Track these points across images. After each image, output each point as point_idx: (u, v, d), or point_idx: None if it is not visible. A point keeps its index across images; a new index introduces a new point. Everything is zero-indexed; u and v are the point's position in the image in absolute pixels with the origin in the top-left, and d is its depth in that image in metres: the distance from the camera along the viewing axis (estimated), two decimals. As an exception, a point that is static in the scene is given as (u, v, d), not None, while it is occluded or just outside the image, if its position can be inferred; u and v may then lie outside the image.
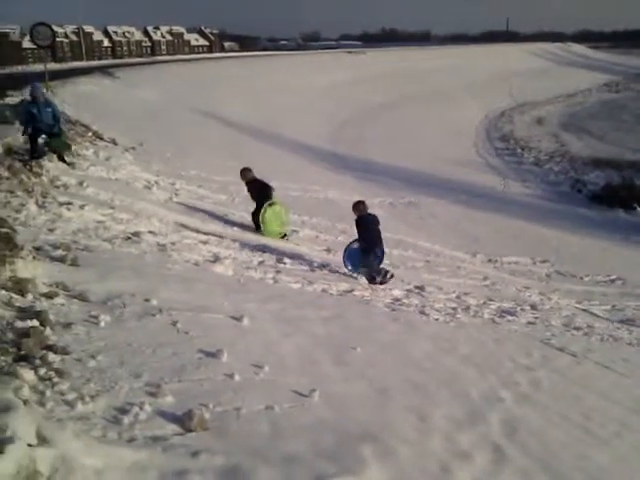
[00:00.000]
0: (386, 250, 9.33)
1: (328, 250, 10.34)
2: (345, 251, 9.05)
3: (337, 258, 9.89)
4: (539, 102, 52.24)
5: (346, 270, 8.82)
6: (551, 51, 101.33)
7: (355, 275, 8.72)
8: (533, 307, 8.72)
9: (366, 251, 8.85)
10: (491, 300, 8.63)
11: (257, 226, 10.46)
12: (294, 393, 3.75)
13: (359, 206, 9.10)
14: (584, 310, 9.20)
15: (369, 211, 9.12)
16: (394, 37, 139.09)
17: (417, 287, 8.61)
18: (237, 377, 3.77)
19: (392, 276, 8.74)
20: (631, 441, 4.42)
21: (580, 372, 5.80)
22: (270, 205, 10.56)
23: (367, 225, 8.95)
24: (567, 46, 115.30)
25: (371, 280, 8.58)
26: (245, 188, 10.92)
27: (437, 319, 6.86)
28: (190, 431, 3.05)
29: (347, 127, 32.67)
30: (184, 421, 3.10)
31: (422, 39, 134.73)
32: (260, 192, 10.69)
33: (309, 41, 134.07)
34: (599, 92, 63.94)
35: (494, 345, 6.14)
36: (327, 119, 33.23)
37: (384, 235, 12.47)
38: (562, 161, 28.49)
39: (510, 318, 7.79)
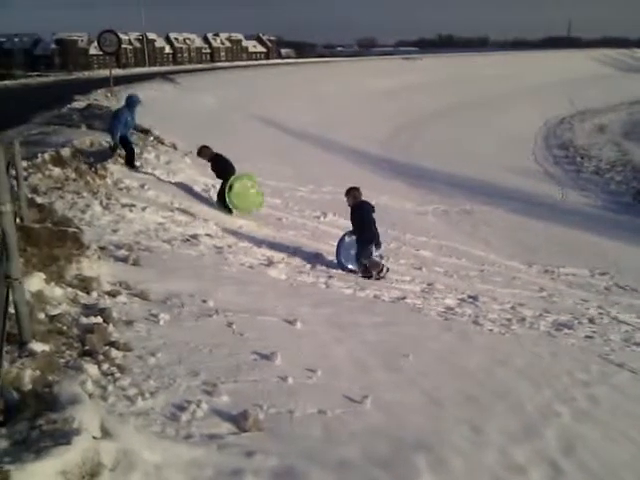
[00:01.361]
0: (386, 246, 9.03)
1: (380, 256, 10.30)
2: (339, 247, 8.57)
3: (389, 264, 9.87)
4: (601, 109, 50.52)
5: (341, 269, 8.36)
6: (614, 57, 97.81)
7: (354, 269, 8.40)
8: (591, 321, 8.44)
9: (365, 242, 8.43)
10: (547, 312, 8.40)
11: (225, 207, 10.03)
12: (346, 399, 3.77)
13: (354, 193, 8.62)
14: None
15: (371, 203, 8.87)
16: (451, 43, 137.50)
17: (470, 296, 8.47)
18: (290, 380, 3.81)
19: (387, 270, 8.44)
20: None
21: (641, 389, 5.58)
22: (236, 179, 10.22)
23: (364, 214, 8.52)
24: (631, 52, 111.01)
25: (365, 273, 8.27)
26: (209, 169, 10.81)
27: (491, 330, 6.73)
28: (245, 431, 3.11)
29: (401, 133, 32.51)
30: (239, 421, 3.17)
31: (480, 45, 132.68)
32: (225, 168, 10.44)
33: (365, 47, 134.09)
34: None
35: (550, 359, 5.98)
36: (381, 125, 33.16)
37: (438, 242, 12.44)
38: (624, 170, 27.48)
39: (567, 331, 7.57)
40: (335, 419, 3.47)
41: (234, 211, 10.02)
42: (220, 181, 10.40)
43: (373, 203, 15.50)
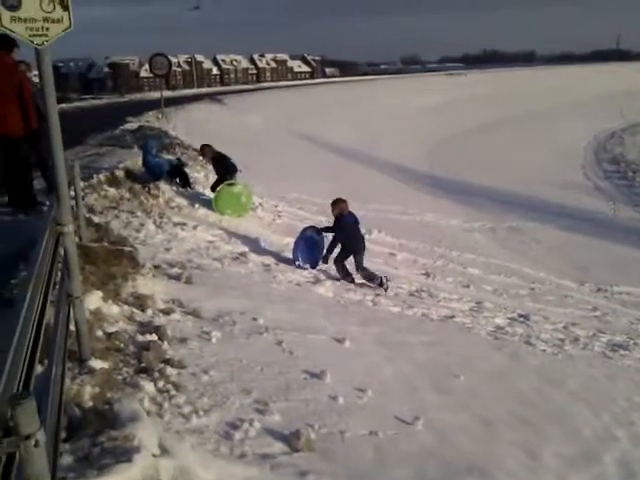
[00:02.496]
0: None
1: (427, 274, 10.21)
2: (298, 241, 8.41)
3: (437, 282, 9.77)
4: (654, 123, 48.98)
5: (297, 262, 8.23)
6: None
7: (304, 266, 8.24)
8: (648, 341, 8.13)
9: (345, 251, 8.47)
10: (601, 332, 8.14)
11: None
12: (397, 420, 3.74)
13: (339, 204, 8.63)
14: None
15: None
16: (496, 58, 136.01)
17: (521, 315, 8.29)
18: (341, 399, 3.82)
19: (387, 280, 8.31)
20: None
21: None
22: (229, 185, 10.08)
23: (345, 226, 8.50)
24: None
25: (345, 276, 8.26)
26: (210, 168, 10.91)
27: (544, 350, 6.56)
28: (297, 451, 3.13)
29: (446, 149, 32.26)
30: (291, 440, 3.19)
31: (526, 60, 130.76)
32: (227, 168, 10.42)
33: (409, 64, 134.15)
34: None
35: (606, 381, 5.79)
36: (425, 141, 33.00)
37: (485, 260, 12.22)
38: (679, 185, 26.49)
39: (623, 352, 7.31)
40: (386, 440, 3.45)
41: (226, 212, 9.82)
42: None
43: (418, 220, 15.32)
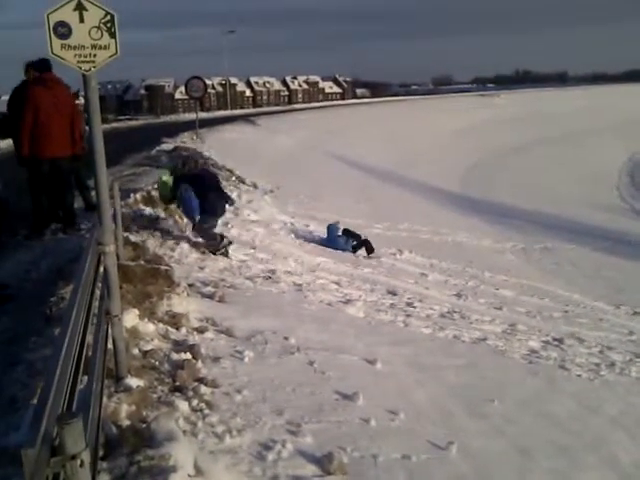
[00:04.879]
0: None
1: (458, 295, 10.11)
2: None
3: (468, 304, 9.66)
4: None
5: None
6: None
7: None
8: (687, 367, 7.87)
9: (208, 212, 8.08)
10: (638, 357, 7.93)
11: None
12: (430, 444, 3.70)
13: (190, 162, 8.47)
14: None
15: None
16: (528, 78, 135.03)
17: (555, 339, 8.12)
18: (373, 422, 3.80)
19: (230, 243, 8.12)
20: None
21: None
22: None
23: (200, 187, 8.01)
24: None
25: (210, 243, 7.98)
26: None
27: (579, 375, 6.42)
28: (329, 474, 3.12)
29: (478, 170, 32.08)
30: (324, 463, 3.18)
31: (558, 80, 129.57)
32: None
33: (441, 85, 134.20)
34: None
35: (645, 408, 5.64)
36: (457, 162, 32.88)
37: (518, 281, 12.02)
38: None
39: (662, 378, 7.11)
40: (420, 465, 3.41)
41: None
42: None
43: (449, 240, 15.22)
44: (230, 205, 9.70)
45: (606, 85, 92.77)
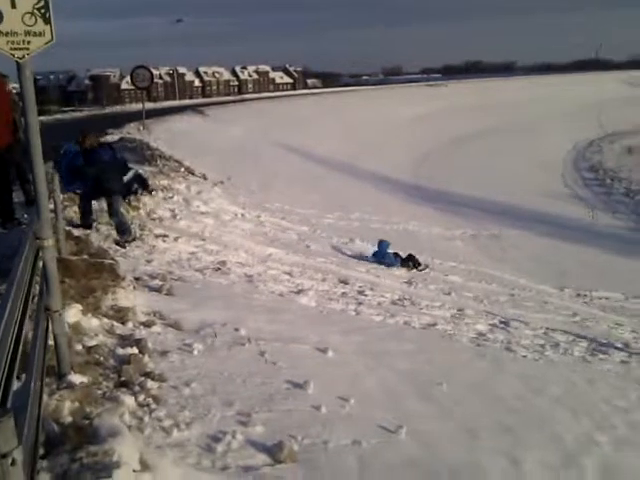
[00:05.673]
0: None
1: (409, 282, 10.27)
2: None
3: (419, 290, 9.82)
4: (629, 131, 49.82)
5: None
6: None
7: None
8: (627, 345, 8.24)
9: (94, 194, 7.63)
10: (581, 337, 8.23)
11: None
12: (381, 428, 3.74)
13: (90, 137, 7.91)
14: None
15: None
16: (477, 69, 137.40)
17: (502, 322, 8.36)
18: (324, 409, 3.81)
19: (134, 239, 7.63)
20: None
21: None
22: None
23: (97, 161, 7.52)
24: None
25: (82, 218, 7.53)
26: None
27: (525, 356, 6.62)
28: (280, 462, 3.12)
29: (428, 159, 32.53)
30: (274, 452, 3.17)
31: (506, 70, 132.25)
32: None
33: (391, 75, 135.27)
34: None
35: (587, 385, 5.85)
36: (408, 151, 33.25)
37: (467, 267, 12.30)
38: (655, 192, 27.00)
39: (602, 357, 7.41)
40: (370, 450, 3.44)
41: None
42: None
43: (401, 229, 15.32)
44: (143, 189, 9.37)
45: (552, 75, 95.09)
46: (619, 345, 8.17)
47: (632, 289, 12.75)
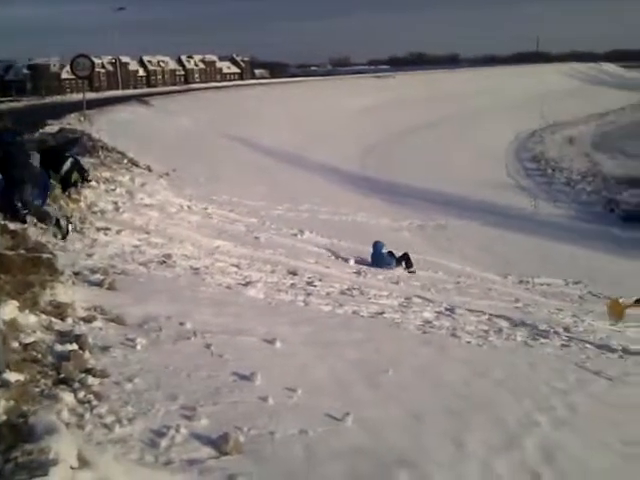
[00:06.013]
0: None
1: (358, 273, 10.36)
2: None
3: (367, 280, 9.92)
4: (570, 122, 51.75)
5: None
6: (583, 71, 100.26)
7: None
8: (567, 329, 8.57)
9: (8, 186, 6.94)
10: (523, 322, 8.51)
11: None
12: (328, 417, 3.76)
13: None
14: (619, 332, 8.99)
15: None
16: (422, 60, 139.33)
17: (448, 309, 8.54)
18: (271, 400, 3.79)
19: (65, 235, 7.07)
20: (676, 466, 4.29)
21: (618, 396, 5.66)
22: None
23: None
24: (599, 66, 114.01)
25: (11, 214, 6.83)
26: None
27: (469, 342, 6.78)
28: (226, 454, 3.09)
29: (376, 150, 32.85)
30: (219, 444, 3.14)
31: (450, 62, 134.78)
32: None
33: (339, 66, 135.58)
34: (632, 111, 63.11)
35: (528, 369, 6.05)
36: (357, 143, 33.47)
37: (414, 257, 12.50)
38: (594, 181, 28.15)
39: (543, 341, 7.68)
40: (317, 438, 3.45)
41: None
42: None
43: (350, 220, 15.42)
44: (82, 179, 8.78)
45: (496, 67, 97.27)
46: (559, 329, 8.49)
47: (572, 275, 13.29)
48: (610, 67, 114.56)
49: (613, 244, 17.48)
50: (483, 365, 5.77)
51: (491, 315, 8.61)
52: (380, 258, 11.29)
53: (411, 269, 11.38)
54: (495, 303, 9.89)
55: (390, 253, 11.54)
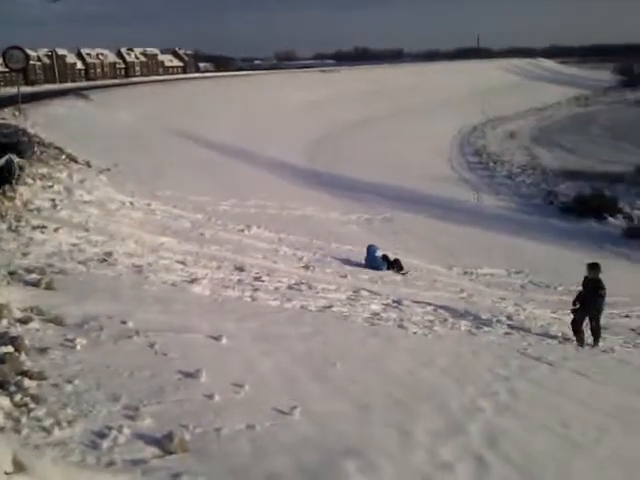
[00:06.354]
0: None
1: (306, 267, 10.35)
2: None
3: (316, 274, 9.93)
4: (510, 117, 53.28)
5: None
6: (522, 66, 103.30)
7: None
8: (509, 318, 8.83)
9: None
10: (468, 312, 8.71)
11: None
12: (275, 411, 3.74)
13: None
14: (559, 319, 9.33)
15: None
16: (367, 56, 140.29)
17: (395, 301, 8.66)
18: (217, 397, 3.75)
19: None
20: (610, 446, 4.48)
21: (557, 380, 5.88)
22: None
23: None
24: (537, 61, 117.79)
25: None
26: None
27: (415, 332, 6.90)
28: (170, 453, 3.03)
29: (323, 145, 32.87)
30: (164, 443, 3.08)
31: (395, 57, 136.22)
32: None
33: (284, 60, 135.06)
34: (569, 106, 65.57)
35: (472, 357, 6.20)
36: (304, 137, 33.40)
37: (362, 250, 12.59)
38: (534, 174, 29.07)
39: (487, 329, 7.89)
40: (264, 433, 3.43)
41: None
42: None
43: (298, 214, 15.40)
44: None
45: (439, 62, 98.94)
46: (502, 318, 8.74)
47: (514, 265, 13.69)
48: (548, 63, 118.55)
49: (552, 235, 18.10)
50: (429, 354, 5.88)
51: (436, 306, 8.77)
52: (373, 261, 11.70)
53: (402, 271, 11.73)
54: (441, 294, 10.08)
55: (384, 257, 11.94)
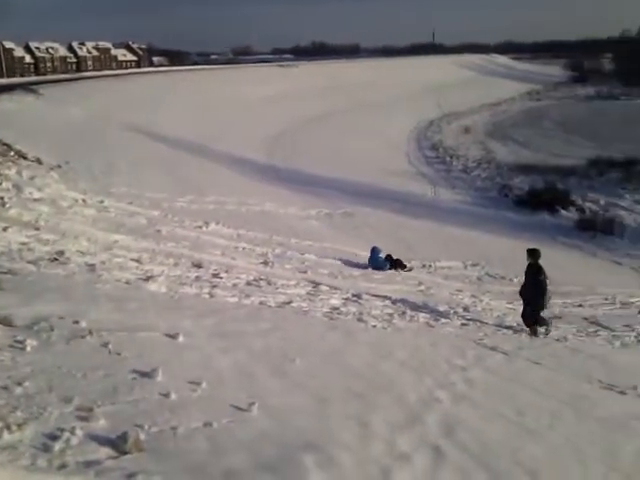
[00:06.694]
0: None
1: (265, 263, 10.32)
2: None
3: (275, 270, 9.91)
4: (465, 112, 54.18)
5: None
6: (476, 62, 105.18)
7: None
8: (466, 309, 8.99)
9: None
10: (426, 305, 8.83)
11: None
12: (233, 408, 3.70)
13: None
14: (514, 310, 9.55)
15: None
16: (324, 50, 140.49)
17: (354, 295, 8.71)
18: (173, 395, 3.68)
19: None
20: (563, 432, 4.60)
21: (512, 369, 6.01)
22: None
23: None
24: (491, 57, 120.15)
25: None
26: None
27: (374, 326, 6.95)
28: (125, 453, 2.96)
29: (282, 140, 32.78)
30: (118, 444, 3.00)
31: (351, 52, 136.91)
32: None
33: (241, 55, 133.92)
34: (522, 101, 67.12)
35: (430, 348, 6.28)
36: (262, 132, 33.23)
37: (321, 245, 12.63)
38: (489, 168, 29.67)
39: (444, 321, 8.01)
40: (221, 430, 3.39)
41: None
42: None
43: (257, 210, 15.33)
44: None
45: (395, 58, 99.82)
46: (459, 310, 8.90)
47: (470, 258, 13.95)
48: (502, 59, 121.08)
49: (507, 227, 18.53)
50: (387, 347, 5.92)
51: (395, 299, 8.86)
52: (376, 261, 12.05)
53: (405, 269, 12.19)
54: (400, 287, 10.20)
55: (387, 257, 12.28)
